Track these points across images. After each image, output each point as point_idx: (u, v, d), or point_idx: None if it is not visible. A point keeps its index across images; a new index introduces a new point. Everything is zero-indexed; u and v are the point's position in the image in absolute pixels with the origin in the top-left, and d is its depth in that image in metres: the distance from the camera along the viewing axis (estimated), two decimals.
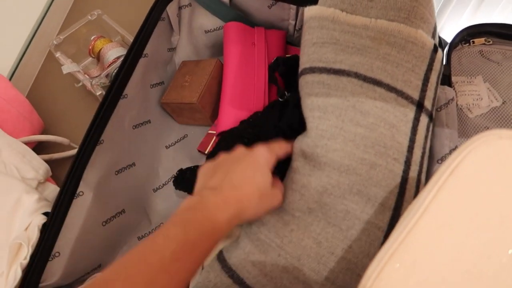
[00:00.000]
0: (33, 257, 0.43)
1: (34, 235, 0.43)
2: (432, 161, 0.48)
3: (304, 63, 0.50)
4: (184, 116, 0.62)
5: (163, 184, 0.58)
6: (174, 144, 0.61)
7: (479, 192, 0.28)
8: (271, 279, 0.42)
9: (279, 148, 0.46)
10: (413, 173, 0.44)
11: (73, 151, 0.60)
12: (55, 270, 0.45)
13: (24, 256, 0.42)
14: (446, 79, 0.53)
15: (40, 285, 0.43)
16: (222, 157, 0.44)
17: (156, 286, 0.31)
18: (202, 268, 0.47)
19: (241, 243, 0.45)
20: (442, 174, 0.30)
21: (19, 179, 0.48)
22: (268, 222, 0.45)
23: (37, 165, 0.51)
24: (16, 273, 0.41)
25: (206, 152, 0.58)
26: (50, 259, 0.44)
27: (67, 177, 0.46)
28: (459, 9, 0.62)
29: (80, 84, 0.63)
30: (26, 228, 0.44)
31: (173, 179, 0.53)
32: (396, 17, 0.49)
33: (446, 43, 0.58)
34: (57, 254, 0.45)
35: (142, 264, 0.31)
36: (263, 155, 0.43)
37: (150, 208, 0.56)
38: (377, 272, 0.29)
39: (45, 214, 0.46)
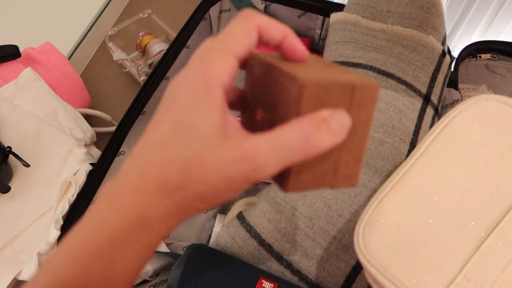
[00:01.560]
0: (79, 196, 0.49)
1: (81, 178, 0.50)
2: None
3: (326, 59, 0.58)
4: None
5: None
6: None
7: (468, 140, 0.34)
8: (284, 235, 0.47)
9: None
10: None
11: (113, 128, 0.68)
12: None
13: (72, 193, 0.48)
14: (453, 84, 0.59)
15: None
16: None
17: None
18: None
19: (259, 204, 0.50)
20: (438, 127, 0.36)
21: (71, 136, 0.56)
22: None
23: (85, 129, 0.59)
24: (64, 207, 0.47)
25: None
26: (91, 202, 0.50)
27: (113, 136, 0.53)
28: (469, 30, 0.69)
29: (126, 70, 0.71)
30: (75, 173, 0.51)
31: None
32: (410, 24, 0.56)
33: (454, 57, 0.64)
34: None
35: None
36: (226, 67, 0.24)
37: None
38: (378, 200, 0.34)
39: (91, 164, 0.52)
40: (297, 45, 0.24)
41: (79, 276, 0.21)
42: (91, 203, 0.50)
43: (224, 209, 0.60)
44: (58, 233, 0.44)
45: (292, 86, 0.22)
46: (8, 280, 0.44)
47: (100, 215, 0.22)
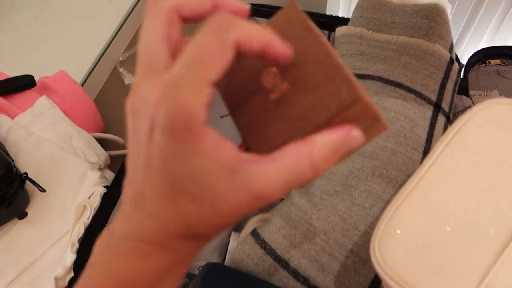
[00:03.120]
0: (94, 219, 0.49)
1: (96, 201, 0.50)
2: None
3: None
4: None
5: None
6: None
7: (480, 146, 0.34)
8: (300, 250, 0.47)
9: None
10: None
11: (126, 151, 0.69)
12: None
13: (87, 216, 0.49)
14: (463, 91, 0.59)
15: None
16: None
17: None
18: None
19: (273, 220, 0.50)
20: (450, 133, 0.35)
21: (85, 160, 0.56)
22: (298, 203, 0.50)
23: (99, 152, 0.60)
24: (79, 230, 0.48)
25: None
26: (107, 224, 0.51)
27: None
28: (477, 36, 0.69)
29: None
30: (90, 197, 0.51)
31: None
32: (415, 34, 0.56)
33: (462, 65, 0.64)
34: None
35: None
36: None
37: None
38: (392, 210, 0.34)
39: (106, 187, 0.53)
40: (280, 53, 0.21)
41: None
42: (106, 225, 0.50)
43: (238, 227, 0.60)
44: (74, 256, 0.44)
45: (347, 94, 0.20)
46: None
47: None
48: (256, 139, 0.24)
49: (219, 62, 0.19)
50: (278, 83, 0.23)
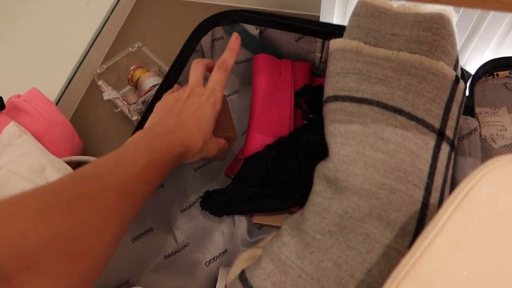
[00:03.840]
0: None
1: None
2: None
3: (328, 92, 0.53)
4: None
5: (190, 205, 0.61)
6: (202, 166, 0.64)
7: (493, 214, 0.29)
8: None
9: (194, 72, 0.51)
10: (433, 199, 0.44)
11: None
12: None
13: None
14: (469, 110, 0.54)
15: None
16: (175, 99, 0.49)
17: (131, 192, 0.34)
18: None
19: (262, 263, 0.46)
20: (457, 196, 0.31)
21: None
22: (289, 243, 0.46)
23: None
24: None
25: (232, 176, 0.61)
26: None
27: None
28: (482, 44, 0.64)
29: (119, 109, 0.68)
30: None
31: (200, 200, 0.56)
32: (417, 49, 0.51)
33: (469, 75, 0.59)
34: None
35: (120, 169, 0.35)
36: (209, 107, 0.47)
37: (176, 228, 0.58)
38: None
39: None
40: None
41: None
42: None
43: (226, 259, 0.57)
44: None
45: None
46: None
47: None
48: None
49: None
50: None
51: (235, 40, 0.53)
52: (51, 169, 0.54)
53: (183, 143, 0.43)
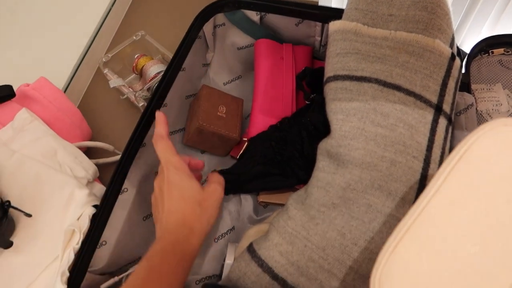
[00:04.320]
0: (84, 243, 0.47)
1: (85, 224, 0.48)
2: None
3: (328, 72, 0.55)
4: (206, 141, 0.63)
5: None
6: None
7: (487, 173, 0.31)
8: (298, 268, 0.45)
9: (178, 160, 0.48)
10: (432, 171, 0.46)
11: (117, 157, 0.66)
12: (102, 257, 0.49)
13: (77, 241, 0.47)
14: (465, 87, 0.56)
15: (89, 270, 0.48)
16: (156, 189, 0.48)
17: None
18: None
19: (269, 236, 0.48)
20: (453, 159, 0.33)
21: (72, 177, 0.54)
22: (295, 216, 0.48)
23: (87, 166, 0.57)
24: (69, 256, 0.46)
25: (237, 157, 0.63)
26: (98, 246, 0.49)
27: (114, 175, 0.52)
28: (478, 23, 0.65)
29: (125, 96, 0.70)
30: (78, 218, 0.49)
31: None
32: (414, 28, 0.52)
33: (465, 54, 0.60)
34: (104, 243, 0.50)
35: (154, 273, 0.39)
36: (172, 172, 0.46)
37: None
38: (393, 246, 0.32)
39: (95, 206, 0.51)
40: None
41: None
42: (98, 247, 0.49)
43: (234, 236, 0.59)
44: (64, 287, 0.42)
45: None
46: None
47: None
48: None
49: (186, 169, 0.48)
50: None
51: (158, 117, 0.51)
52: (63, 152, 0.56)
53: (181, 224, 0.43)
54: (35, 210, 0.49)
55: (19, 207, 0.47)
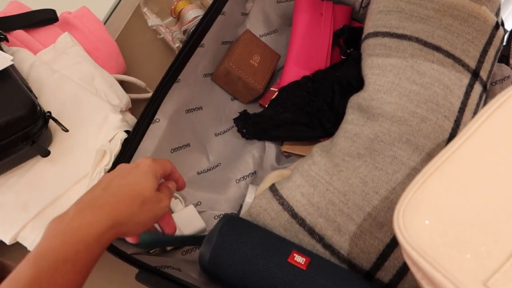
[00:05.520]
0: (114, 164, 0.49)
1: (116, 147, 0.50)
2: None
3: (368, 29, 0.55)
4: (231, 83, 0.64)
5: (224, 130, 0.64)
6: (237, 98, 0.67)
7: None
8: (318, 209, 0.47)
9: (165, 163, 0.43)
10: None
11: (148, 94, 0.67)
12: None
13: (107, 162, 0.49)
14: (504, 59, 0.55)
15: None
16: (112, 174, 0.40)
17: None
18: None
19: (292, 177, 0.50)
20: (491, 106, 0.33)
21: (107, 102, 0.56)
22: (319, 162, 0.49)
23: (121, 95, 0.59)
24: (99, 176, 0.48)
25: (265, 106, 0.64)
26: None
27: (148, 104, 0.53)
28: None
29: (161, 36, 0.71)
30: (110, 140, 0.51)
31: (236, 118, 0.59)
32: None
33: (507, 31, 0.60)
34: None
35: None
36: (147, 163, 0.40)
37: (210, 149, 0.62)
38: (422, 180, 0.33)
39: (127, 132, 0.53)
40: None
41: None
42: None
43: (255, 180, 0.60)
44: None
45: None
46: None
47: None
48: None
49: (158, 171, 0.41)
50: None
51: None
52: (100, 79, 0.58)
53: (102, 214, 0.34)
54: (72, 126, 0.50)
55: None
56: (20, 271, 0.29)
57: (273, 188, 0.50)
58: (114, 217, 0.34)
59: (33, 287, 0.28)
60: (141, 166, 0.39)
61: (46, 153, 0.48)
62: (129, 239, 0.39)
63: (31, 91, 0.50)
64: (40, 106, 0.47)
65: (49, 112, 0.48)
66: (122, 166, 0.40)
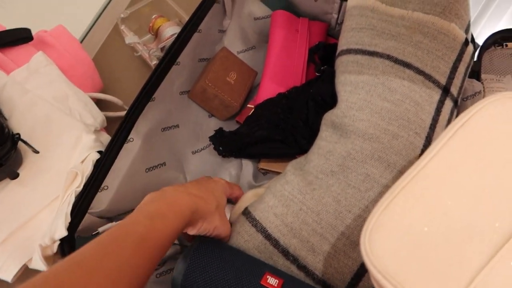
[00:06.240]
0: (86, 186, 0.48)
1: (88, 168, 0.49)
2: None
3: (341, 46, 0.55)
4: (208, 101, 0.64)
5: (201, 148, 0.64)
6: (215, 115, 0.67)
7: (486, 141, 0.32)
8: (291, 230, 0.46)
9: (235, 188, 0.53)
10: None
11: (124, 112, 0.67)
12: (102, 201, 0.50)
13: (78, 184, 0.48)
14: (475, 75, 0.56)
15: (89, 211, 0.49)
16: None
17: (127, 267, 0.32)
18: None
19: (265, 198, 0.49)
20: (455, 125, 0.34)
21: (81, 122, 0.55)
22: (292, 181, 0.49)
23: (96, 114, 0.58)
24: (70, 198, 0.47)
25: (242, 123, 0.64)
26: (99, 190, 0.50)
27: (122, 123, 0.53)
28: (495, 17, 0.65)
29: (139, 54, 0.70)
30: (83, 161, 0.51)
31: (212, 136, 0.59)
32: (431, 11, 0.53)
33: (478, 46, 0.61)
34: (105, 187, 0.51)
35: (115, 244, 0.33)
36: (223, 183, 0.50)
37: (187, 167, 0.62)
38: (387, 201, 0.33)
39: (99, 152, 0.52)
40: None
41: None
42: (99, 191, 0.50)
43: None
44: (65, 233, 0.43)
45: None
46: (18, 266, 0.45)
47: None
48: None
49: (227, 194, 0.51)
50: None
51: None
52: (74, 98, 0.57)
53: (192, 195, 0.42)
54: (43, 147, 0.50)
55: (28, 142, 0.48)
56: (139, 220, 0.37)
57: (246, 212, 0.49)
58: (198, 204, 0.42)
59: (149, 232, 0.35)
60: (220, 182, 0.50)
61: (14, 176, 0.47)
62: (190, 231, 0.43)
63: (0, 112, 0.49)
64: (8, 128, 0.47)
65: (18, 134, 0.47)
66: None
